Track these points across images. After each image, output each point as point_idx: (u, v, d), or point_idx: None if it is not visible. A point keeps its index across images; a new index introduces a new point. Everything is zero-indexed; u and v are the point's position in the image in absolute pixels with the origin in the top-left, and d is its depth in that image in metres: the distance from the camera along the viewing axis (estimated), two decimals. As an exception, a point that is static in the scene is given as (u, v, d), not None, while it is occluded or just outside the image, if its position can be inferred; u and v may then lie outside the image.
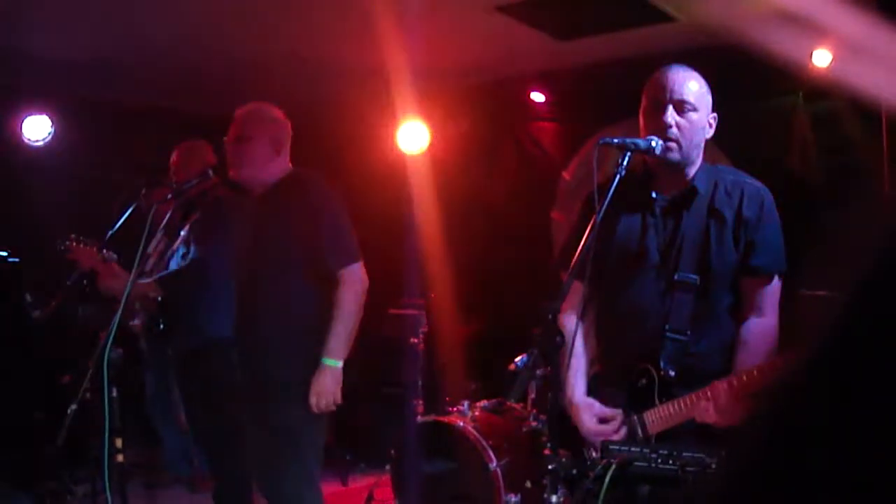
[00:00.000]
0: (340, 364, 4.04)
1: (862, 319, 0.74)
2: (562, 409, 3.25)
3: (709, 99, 3.21)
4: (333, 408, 4.06)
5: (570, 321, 3.28)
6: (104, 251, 5.22)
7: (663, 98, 3.12)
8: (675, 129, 3.11)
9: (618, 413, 3.16)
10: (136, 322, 5.61)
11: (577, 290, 3.29)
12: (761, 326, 3.12)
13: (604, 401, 3.23)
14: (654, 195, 3.24)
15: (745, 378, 2.89)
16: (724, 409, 2.88)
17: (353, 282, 4.12)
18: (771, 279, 3.15)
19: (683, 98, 3.11)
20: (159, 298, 5.23)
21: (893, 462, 0.70)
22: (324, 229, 4.10)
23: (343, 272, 4.10)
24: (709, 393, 2.93)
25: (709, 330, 3.15)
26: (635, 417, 3.12)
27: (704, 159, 3.26)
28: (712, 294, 3.14)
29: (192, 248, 5.06)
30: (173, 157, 5.49)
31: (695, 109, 3.13)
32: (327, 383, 4.01)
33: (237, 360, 4.31)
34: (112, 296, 5.05)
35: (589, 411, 3.20)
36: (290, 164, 4.36)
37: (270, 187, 4.26)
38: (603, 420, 3.17)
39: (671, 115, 3.10)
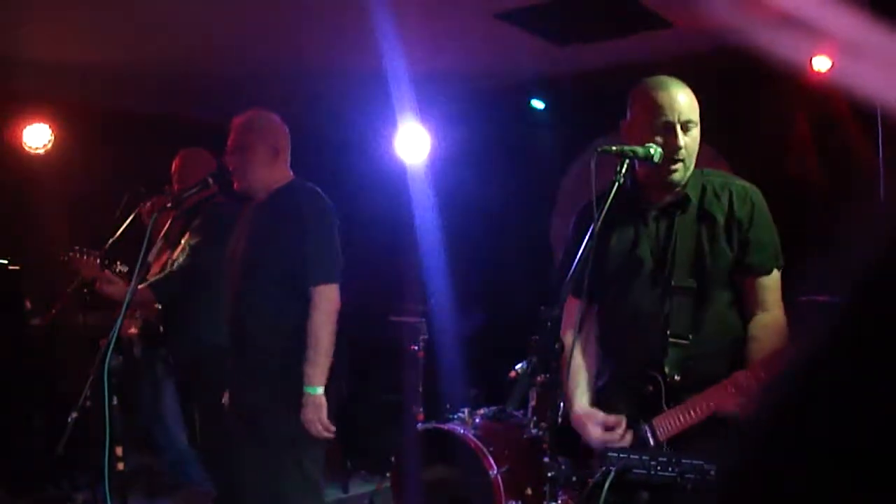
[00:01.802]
0: (321, 390, 3.98)
1: (861, 322, 0.74)
2: (562, 417, 3.25)
3: (698, 108, 3.23)
4: (328, 434, 4.03)
5: (569, 337, 3.29)
6: (118, 264, 5.25)
7: (671, 119, 3.10)
8: (684, 151, 3.11)
9: (622, 419, 3.15)
10: (133, 330, 5.62)
11: (573, 305, 3.30)
12: (768, 320, 3.12)
13: (612, 411, 3.22)
14: (646, 203, 3.24)
15: (763, 369, 2.90)
16: (748, 395, 2.87)
17: (324, 303, 4.03)
18: (769, 274, 3.15)
19: (689, 118, 3.13)
20: (158, 307, 5.24)
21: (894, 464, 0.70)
22: (307, 243, 4.05)
23: (315, 290, 4.03)
24: (730, 387, 2.93)
25: (711, 332, 3.15)
26: (645, 425, 3.11)
27: (703, 164, 3.26)
28: (711, 295, 3.14)
29: (185, 255, 5.06)
30: (174, 164, 5.50)
31: (696, 125, 3.15)
32: (310, 412, 3.97)
33: (230, 370, 4.28)
34: (112, 302, 5.06)
35: (592, 420, 3.19)
36: (290, 172, 4.34)
37: (270, 195, 4.24)
38: (608, 427, 3.17)
39: (682, 137, 3.11)
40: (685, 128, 3.11)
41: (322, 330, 4.01)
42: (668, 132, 3.11)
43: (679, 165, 3.11)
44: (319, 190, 4.23)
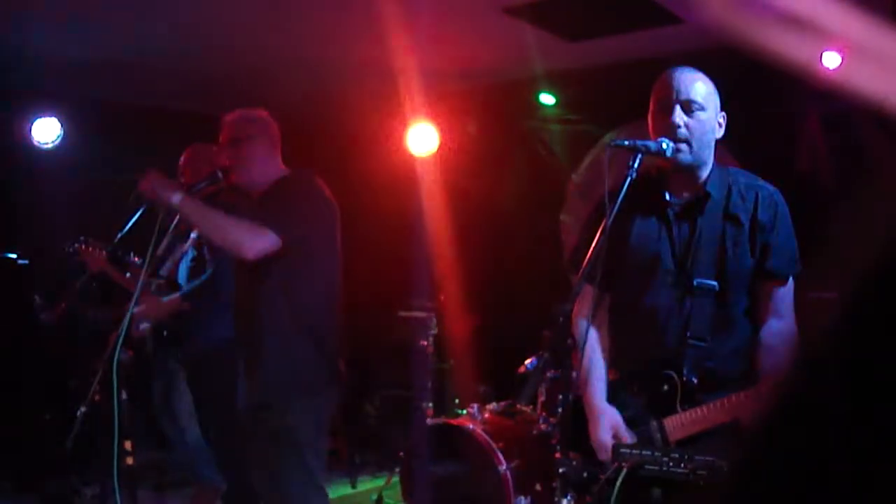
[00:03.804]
0: (176, 199, 3.85)
1: (866, 318, 0.74)
2: (573, 412, 3.24)
3: (717, 99, 3.20)
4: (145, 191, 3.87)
5: (583, 325, 3.27)
6: (131, 255, 5.26)
7: (670, 98, 3.10)
8: (683, 130, 3.09)
9: (632, 436, 3.14)
10: (144, 327, 5.62)
11: (588, 294, 3.28)
12: (782, 328, 3.12)
13: (622, 407, 3.21)
14: (667, 198, 3.23)
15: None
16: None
17: (260, 238, 3.91)
18: (786, 282, 3.16)
19: (690, 98, 3.10)
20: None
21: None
22: (287, 206, 4.02)
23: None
24: (750, 399, 2.92)
25: (727, 334, 3.15)
26: (655, 424, 3.10)
27: (715, 160, 3.25)
28: (730, 298, 3.14)
29: (210, 260, 5.06)
30: (182, 158, 5.50)
31: (703, 109, 3.11)
32: (157, 179, 3.88)
33: (238, 365, 4.27)
34: (121, 296, 5.07)
35: (609, 422, 3.17)
36: (284, 166, 4.33)
37: (268, 189, 4.23)
38: (616, 437, 3.15)
39: (679, 116, 3.08)
40: (687, 108, 3.10)
41: (239, 228, 3.92)
42: (665, 111, 3.11)
43: (681, 146, 3.09)
44: (316, 177, 4.22)
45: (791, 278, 3.17)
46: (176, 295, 5.09)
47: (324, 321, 4.16)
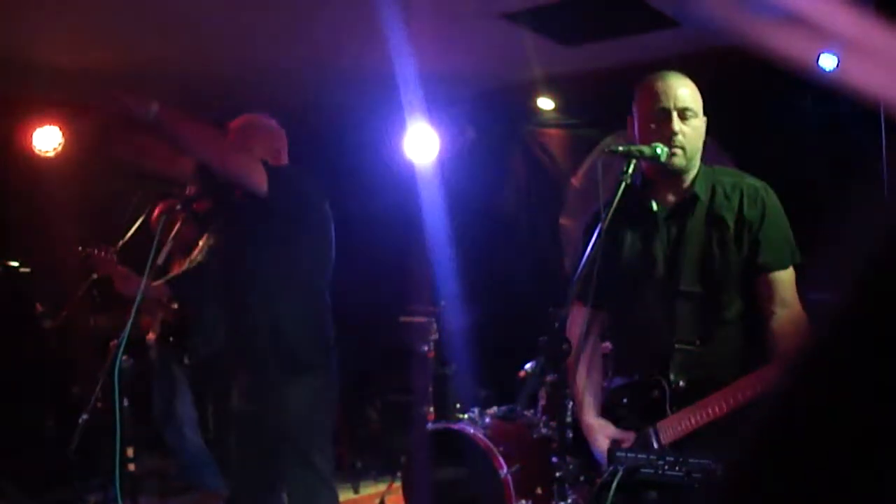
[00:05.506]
0: (154, 107, 3.59)
1: (863, 320, 0.75)
2: (571, 420, 3.26)
3: (701, 103, 3.23)
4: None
5: (576, 342, 3.29)
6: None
7: (667, 105, 3.11)
8: (681, 137, 3.10)
9: (630, 435, 3.15)
10: (151, 335, 5.65)
11: (580, 311, 3.30)
12: (790, 317, 3.08)
13: (618, 416, 3.22)
14: (654, 206, 3.24)
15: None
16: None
17: (259, 167, 3.83)
18: (784, 269, 3.12)
19: (687, 105, 3.12)
20: (174, 306, 5.26)
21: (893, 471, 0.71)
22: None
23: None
24: (755, 383, 2.91)
25: (719, 338, 3.14)
26: (650, 429, 3.11)
27: (708, 161, 3.26)
28: (719, 301, 3.13)
29: (202, 254, 5.07)
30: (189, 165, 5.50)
31: (696, 115, 3.15)
32: (124, 97, 3.62)
33: (233, 365, 4.25)
34: (123, 303, 5.08)
35: (603, 433, 3.18)
36: None
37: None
38: (616, 442, 3.16)
39: (678, 123, 3.11)
40: (682, 115, 3.11)
41: (225, 146, 3.89)
42: (663, 119, 3.11)
43: (677, 151, 3.10)
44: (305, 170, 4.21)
45: (791, 268, 3.14)
46: (160, 280, 5.08)
47: (319, 299, 4.16)
